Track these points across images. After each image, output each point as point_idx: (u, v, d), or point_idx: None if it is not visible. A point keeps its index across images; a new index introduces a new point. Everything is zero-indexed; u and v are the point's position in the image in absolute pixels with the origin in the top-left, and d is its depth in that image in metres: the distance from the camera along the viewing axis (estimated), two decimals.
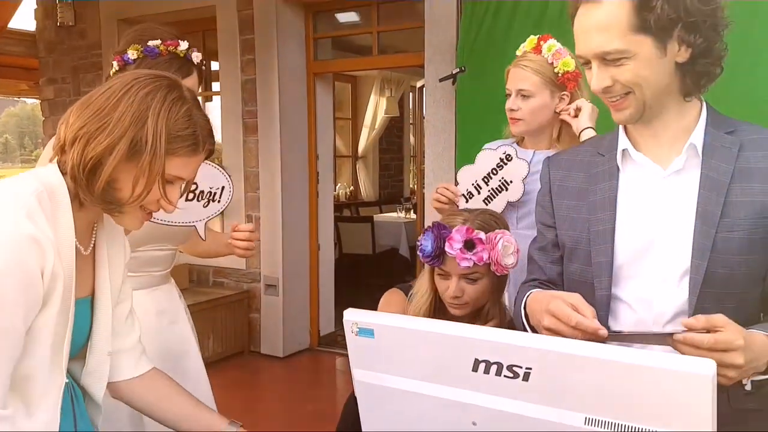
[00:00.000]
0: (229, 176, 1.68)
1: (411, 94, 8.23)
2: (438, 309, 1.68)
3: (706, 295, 1.11)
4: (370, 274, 6.16)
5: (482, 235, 1.54)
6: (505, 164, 1.89)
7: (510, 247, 1.54)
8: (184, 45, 1.57)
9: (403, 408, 0.98)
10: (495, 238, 1.53)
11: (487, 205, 1.92)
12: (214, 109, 4.98)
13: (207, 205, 1.65)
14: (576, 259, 1.27)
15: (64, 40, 5.45)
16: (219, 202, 1.69)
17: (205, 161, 1.60)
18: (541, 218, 1.38)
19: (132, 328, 1.35)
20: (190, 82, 1.59)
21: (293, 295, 4.68)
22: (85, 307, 1.21)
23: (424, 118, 4.10)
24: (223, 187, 1.67)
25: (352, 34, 5.04)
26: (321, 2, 4.51)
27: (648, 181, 1.20)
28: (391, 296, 1.78)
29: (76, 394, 1.22)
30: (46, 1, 5.52)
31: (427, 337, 0.93)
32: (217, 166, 1.66)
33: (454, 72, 3.48)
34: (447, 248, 1.53)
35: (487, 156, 1.93)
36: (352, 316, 0.97)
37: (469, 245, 1.52)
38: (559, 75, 1.83)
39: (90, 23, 5.27)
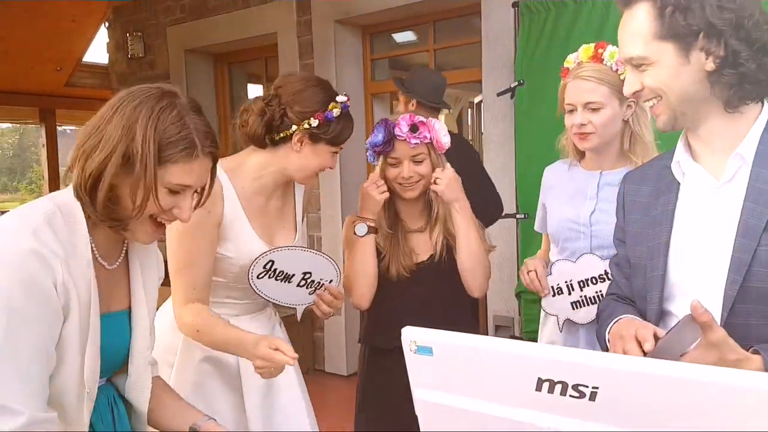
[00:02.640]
0: (340, 271, 1.77)
1: (469, 110, 8.19)
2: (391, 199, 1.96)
3: (751, 312, 1.04)
4: None
5: (423, 119, 1.89)
6: (608, 279, 1.66)
7: (443, 130, 1.90)
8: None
9: (465, 428, 0.96)
10: (432, 122, 1.90)
11: (573, 309, 1.80)
12: None
13: (312, 293, 1.76)
14: (639, 275, 1.23)
15: (135, 72, 5.72)
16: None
17: (322, 255, 1.72)
18: (616, 233, 1.36)
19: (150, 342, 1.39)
20: None
21: (356, 314, 4.67)
22: (123, 320, 1.25)
23: (482, 133, 4.06)
24: (331, 280, 1.76)
25: (409, 53, 5.06)
26: (377, 23, 4.57)
27: (703, 192, 1.15)
28: (351, 217, 2.05)
29: (118, 410, 1.25)
30: (118, 34, 5.82)
31: (488, 355, 0.91)
32: (332, 261, 1.74)
33: (512, 86, 3.44)
34: (397, 132, 1.87)
35: (592, 259, 1.76)
36: (410, 333, 0.95)
37: (414, 128, 1.87)
38: None
39: (158, 54, 5.51)
